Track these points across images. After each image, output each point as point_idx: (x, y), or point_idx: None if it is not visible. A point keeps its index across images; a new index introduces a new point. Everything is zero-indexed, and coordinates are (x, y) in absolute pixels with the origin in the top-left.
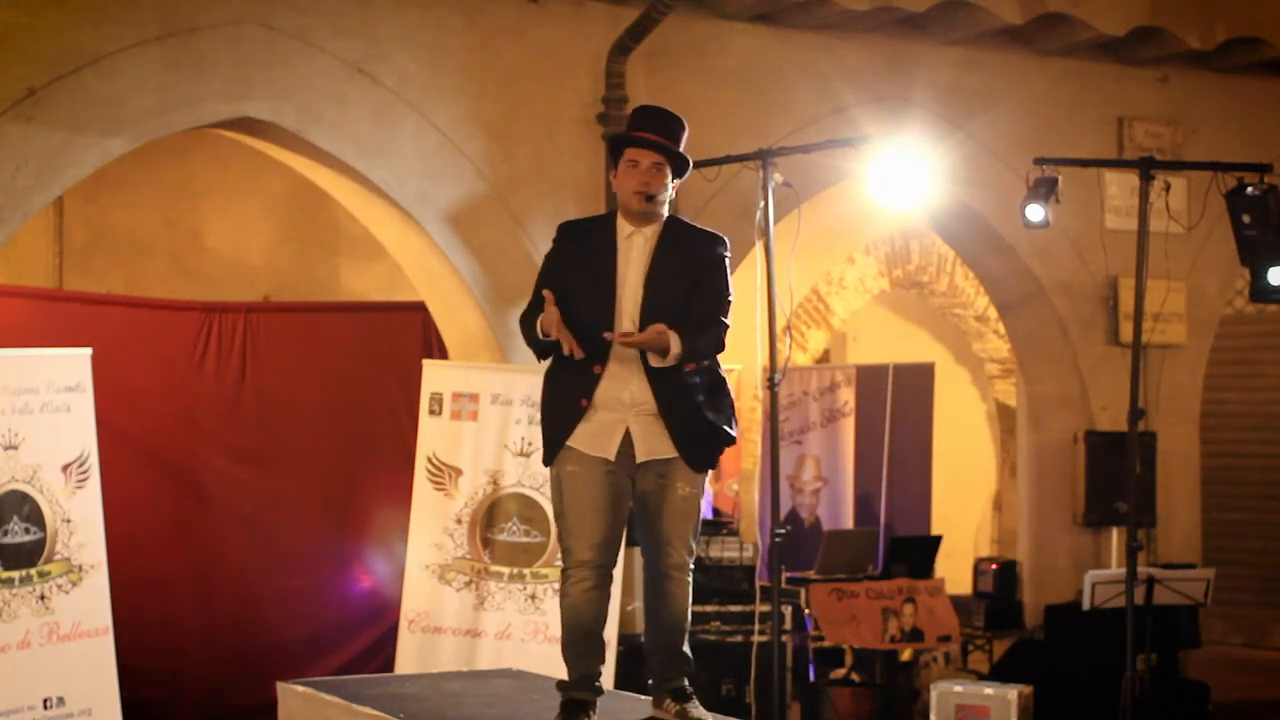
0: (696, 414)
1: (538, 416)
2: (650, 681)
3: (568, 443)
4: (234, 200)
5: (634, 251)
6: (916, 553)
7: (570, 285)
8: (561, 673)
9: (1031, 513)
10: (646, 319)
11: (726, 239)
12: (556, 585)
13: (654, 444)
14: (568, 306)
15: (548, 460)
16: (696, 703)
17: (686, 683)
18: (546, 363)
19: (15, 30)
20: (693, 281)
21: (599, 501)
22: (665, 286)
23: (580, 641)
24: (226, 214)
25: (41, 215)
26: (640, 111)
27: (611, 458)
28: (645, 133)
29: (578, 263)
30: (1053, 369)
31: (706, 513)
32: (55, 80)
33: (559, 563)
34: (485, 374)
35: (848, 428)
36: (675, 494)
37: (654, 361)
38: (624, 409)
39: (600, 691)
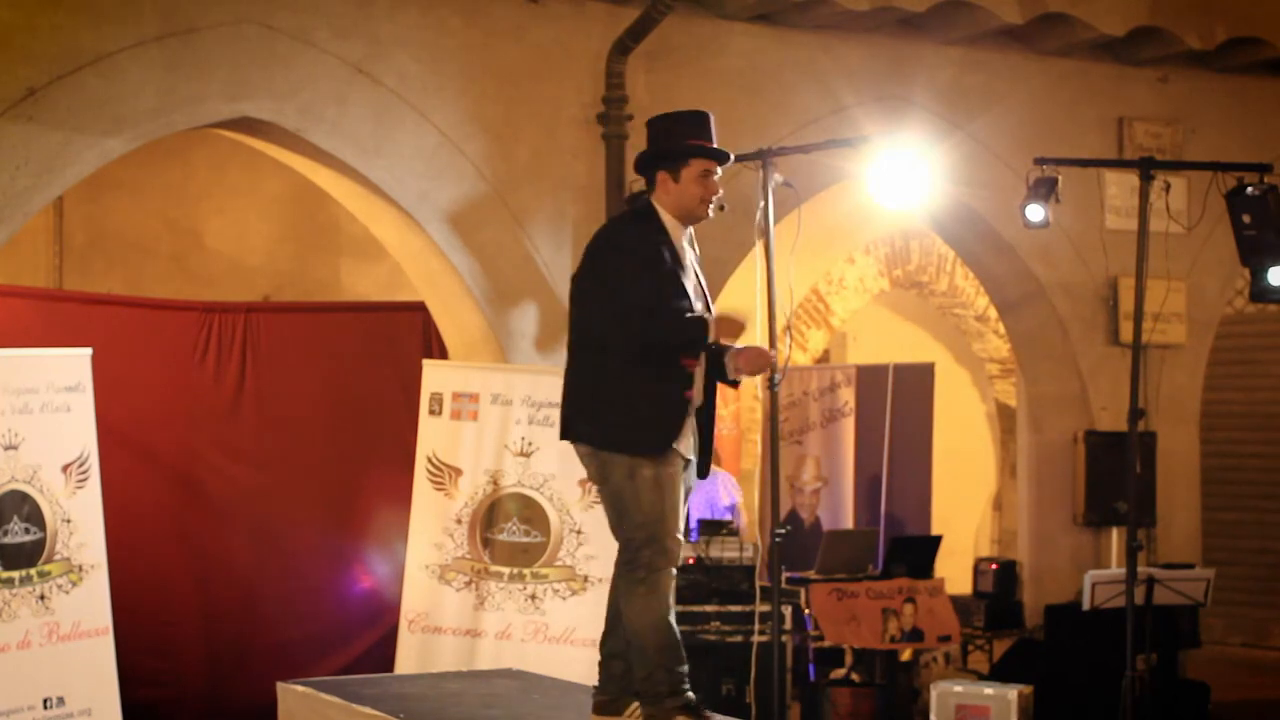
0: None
1: (538, 416)
2: (599, 687)
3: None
4: (234, 200)
5: (685, 251)
6: (916, 553)
7: (676, 286)
8: (559, 673)
9: (1031, 513)
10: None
11: None
12: (556, 585)
13: (694, 442)
14: (680, 305)
15: (661, 447)
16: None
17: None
18: (555, 359)
19: (15, 30)
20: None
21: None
22: (701, 285)
23: (677, 641)
24: (226, 214)
25: (41, 215)
26: (698, 118)
27: (693, 458)
28: (711, 142)
29: (673, 263)
30: (1053, 369)
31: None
32: (55, 80)
33: (559, 562)
34: (485, 374)
35: (848, 428)
36: (688, 491)
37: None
38: (693, 408)
39: None
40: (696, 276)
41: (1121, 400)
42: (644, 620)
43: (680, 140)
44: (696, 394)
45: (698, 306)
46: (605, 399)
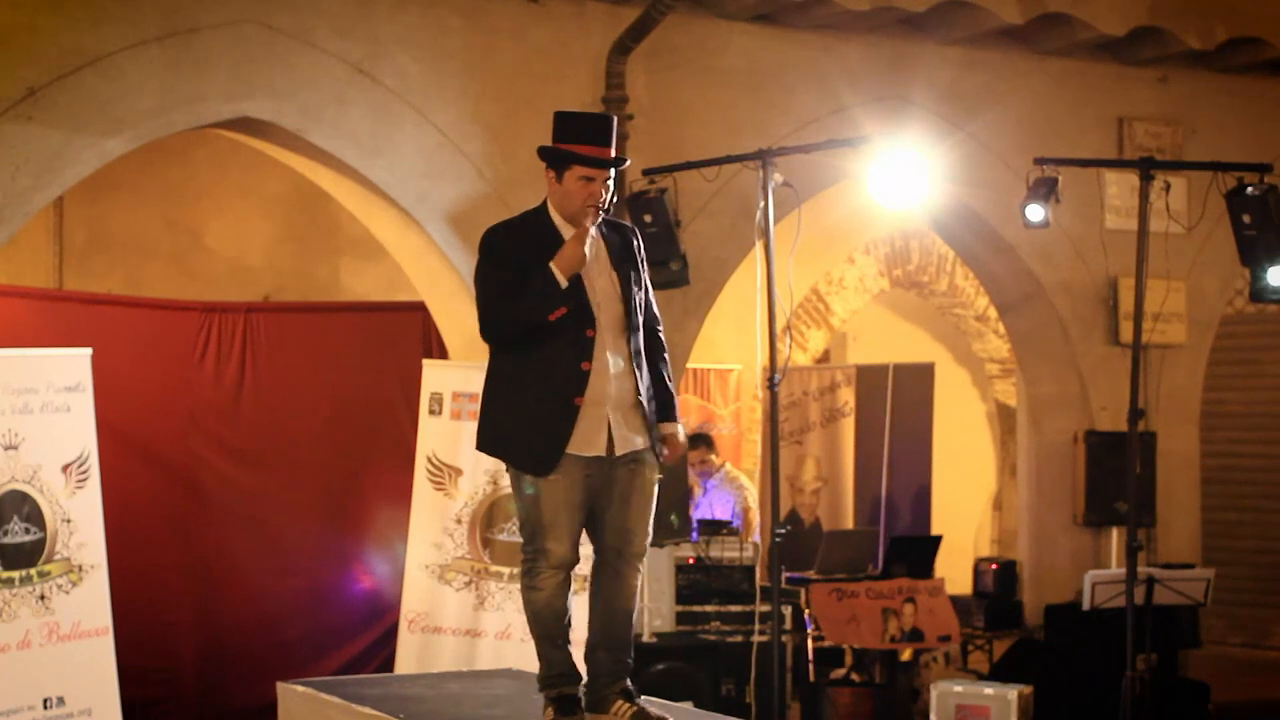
0: (667, 405)
1: None
2: (587, 684)
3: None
4: (234, 200)
5: (590, 251)
6: (916, 553)
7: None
8: None
9: (1031, 513)
10: (629, 309)
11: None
12: None
13: (631, 436)
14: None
15: (547, 468)
16: (645, 699)
17: (629, 681)
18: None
19: (15, 30)
20: (636, 270)
21: (577, 502)
22: (629, 277)
23: (559, 636)
24: (226, 214)
25: (41, 215)
26: (593, 122)
27: (604, 454)
28: (600, 147)
29: (536, 264)
30: (1053, 369)
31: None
32: (55, 80)
33: None
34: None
35: (848, 428)
36: (645, 481)
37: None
38: (606, 402)
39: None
40: (615, 268)
41: (1121, 400)
42: (526, 611)
43: (566, 142)
44: (599, 393)
45: (598, 302)
46: (491, 406)
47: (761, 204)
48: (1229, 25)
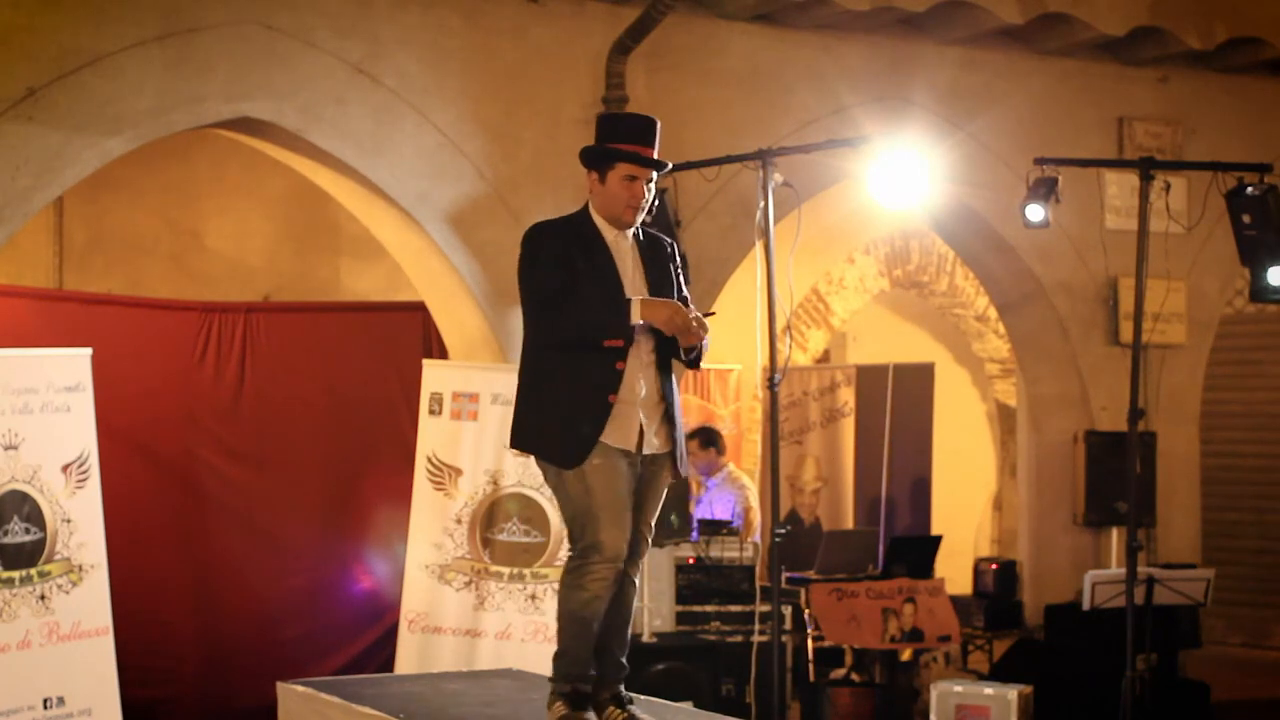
0: (679, 412)
1: None
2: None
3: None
4: (234, 200)
5: (624, 251)
6: (916, 553)
7: (578, 285)
8: None
9: (1031, 513)
10: None
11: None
12: (556, 585)
13: (657, 438)
14: (581, 305)
15: (578, 460)
16: (642, 699)
17: (623, 686)
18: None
19: (15, 30)
20: (669, 280)
21: (626, 490)
22: (664, 286)
23: (589, 635)
24: (226, 214)
25: (41, 215)
26: (637, 122)
27: (634, 450)
28: (645, 148)
29: (579, 263)
30: (1053, 369)
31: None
32: (55, 80)
33: (559, 562)
34: (485, 374)
35: (848, 428)
36: (661, 486)
37: (684, 341)
38: (637, 401)
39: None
40: (647, 277)
41: (1121, 400)
42: (562, 607)
43: (611, 142)
44: (631, 390)
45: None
46: (525, 402)
47: (761, 204)
48: (1229, 25)
